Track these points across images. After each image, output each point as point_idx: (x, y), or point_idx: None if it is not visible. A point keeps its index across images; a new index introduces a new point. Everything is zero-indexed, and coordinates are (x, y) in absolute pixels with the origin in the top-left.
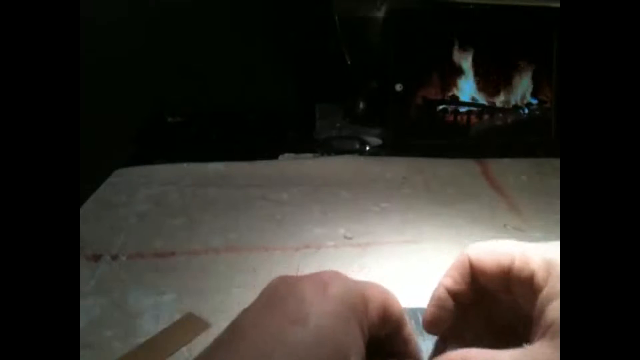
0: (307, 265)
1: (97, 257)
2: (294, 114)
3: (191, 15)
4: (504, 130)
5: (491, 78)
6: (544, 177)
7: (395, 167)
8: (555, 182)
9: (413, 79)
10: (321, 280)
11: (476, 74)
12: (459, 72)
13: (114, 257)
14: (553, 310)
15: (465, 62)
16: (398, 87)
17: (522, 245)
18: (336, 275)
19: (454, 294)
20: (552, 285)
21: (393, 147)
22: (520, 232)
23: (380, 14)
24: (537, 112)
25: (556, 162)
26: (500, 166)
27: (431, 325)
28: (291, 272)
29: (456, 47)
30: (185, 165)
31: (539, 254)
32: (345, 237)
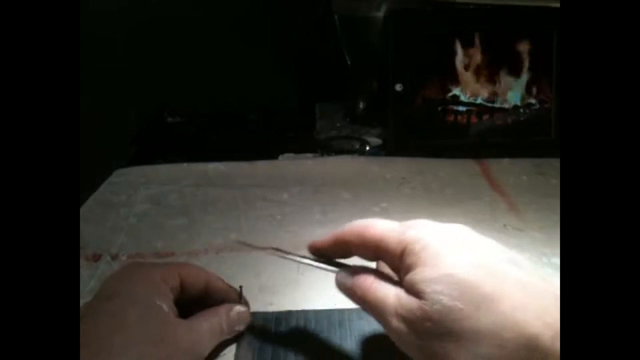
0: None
1: (97, 257)
2: (294, 114)
3: (191, 15)
4: (504, 130)
5: (491, 78)
6: (544, 177)
7: (395, 167)
8: (555, 182)
9: (413, 79)
10: (144, 264)
11: (476, 73)
12: (459, 72)
13: (114, 257)
14: (412, 276)
15: (466, 62)
16: (398, 87)
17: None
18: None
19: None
20: (407, 259)
21: (393, 147)
22: (520, 232)
23: (380, 13)
24: (537, 112)
25: (556, 162)
26: (500, 166)
27: (312, 246)
28: (291, 272)
29: (456, 47)
30: (185, 165)
31: (395, 235)
32: None
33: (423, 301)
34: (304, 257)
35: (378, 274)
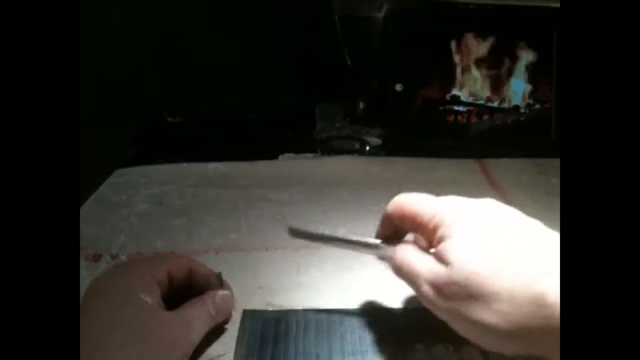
0: (308, 265)
1: (97, 257)
2: (294, 114)
3: (191, 15)
4: (504, 130)
5: (491, 78)
6: (544, 177)
7: (395, 167)
8: (556, 182)
9: (413, 79)
10: (130, 262)
11: (476, 74)
12: (459, 72)
13: (114, 257)
14: (443, 246)
15: (466, 62)
16: (398, 87)
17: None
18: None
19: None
20: (438, 231)
21: (393, 147)
22: None
23: (381, 13)
24: (537, 112)
25: (556, 162)
26: (500, 166)
27: (380, 235)
28: (291, 272)
29: (456, 47)
30: (185, 165)
31: (430, 209)
32: None
33: (450, 267)
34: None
35: (412, 245)
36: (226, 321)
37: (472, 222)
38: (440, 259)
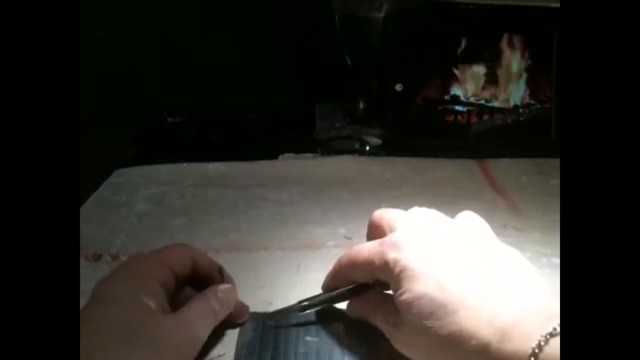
0: (308, 265)
1: (97, 257)
2: (294, 114)
3: (191, 15)
4: (504, 130)
5: (491, 78)
6: (544, 177)
7: (395, 167)
8: (555, 182)
9: (413, 79)
10: (132, 262)
11: (476, 73)
12: (459, 72)
13: (114, 257)
14: (395, 297)
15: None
16: (398, 87)
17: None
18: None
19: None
20: (392, 281)
21: (393, 147)
22: (520, 232)
23: (380, 14)
24: (537, 112)
25: (556, 162)
26: (500, 166)
27: (325, 285)
28: (291, 272)
29: (456, 47)
30: (185, 165)
31: (378, 259)
32: (346, 237)
33: (405, 318)
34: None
35: (380, 295)
36: (235, 325)
37: (419, 271)
38: (399, 307)
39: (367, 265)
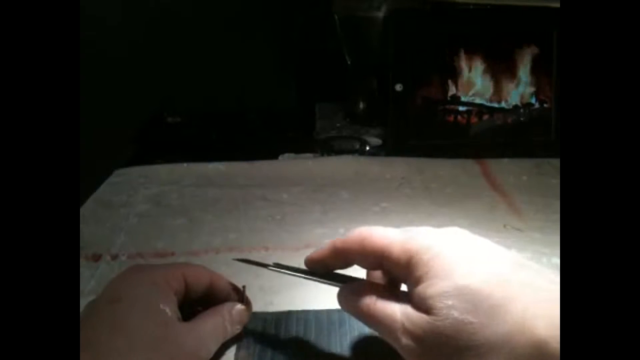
0: None
1: (97, 257)
2: (294, 114)
3: (191, 15)
4: (504, 130)
5: (491, 78)
6: (544, 177)
7: (395, 167)
8: (555, 182)
9: (413, 79)
10: (148, 267)
11: (476, 73)
12: (459, 72)
13: (114, 257)
14: (422, 289)
15: (465, 61)
16: (398, 87)
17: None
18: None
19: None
20: (415, 270)
21: (393, 147)
22: (520, 232)
23: (380, 13)
24: (537, 112)
25: (556, 162)
26: (500, 166)
27: (310, 260)
28: None
29: (456, 47)
30: (185, 165)
31: (400, 244)
32: None
33: (433, 317)
34: (305, 271)
35: (380, 288)
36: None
37: (456, 259)
38: (420, 304)
39: (382, 249)
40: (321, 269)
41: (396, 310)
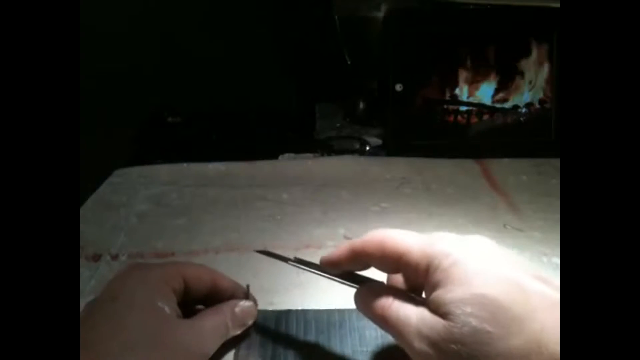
0: None
1: (97, 257)
2: (294, 114)
3: (191, 15)
4: (504, 130)
5: (491, 78)
6: (544, 177)
7: (395, 167)
8: (555, 182)
9: (413, 79)
10: (146, 265)
11: (476, 74)
12: (459, 72)
13: (114, 257)
14: (440, 295)
15: (465, 61)
16: (398, 87)
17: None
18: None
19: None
20: (433, 276)
21: (393, 147)
22: (520, 232)
23: (380, 13)
24: (537, 112)
25: (556, 162)
26: (500, 166)
27: (327, 261)
28: (291, 271)
29: (456, 47)
30: (185, 165)
31: (420, 248)
32: (345, 237)
33: (450, 323)
34: (325, 269)
35: (398, 291)
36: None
37: (476, 267)
38: (437, 309)
39: (402, 253)
40: (337, 270)
41: (412, 314)
